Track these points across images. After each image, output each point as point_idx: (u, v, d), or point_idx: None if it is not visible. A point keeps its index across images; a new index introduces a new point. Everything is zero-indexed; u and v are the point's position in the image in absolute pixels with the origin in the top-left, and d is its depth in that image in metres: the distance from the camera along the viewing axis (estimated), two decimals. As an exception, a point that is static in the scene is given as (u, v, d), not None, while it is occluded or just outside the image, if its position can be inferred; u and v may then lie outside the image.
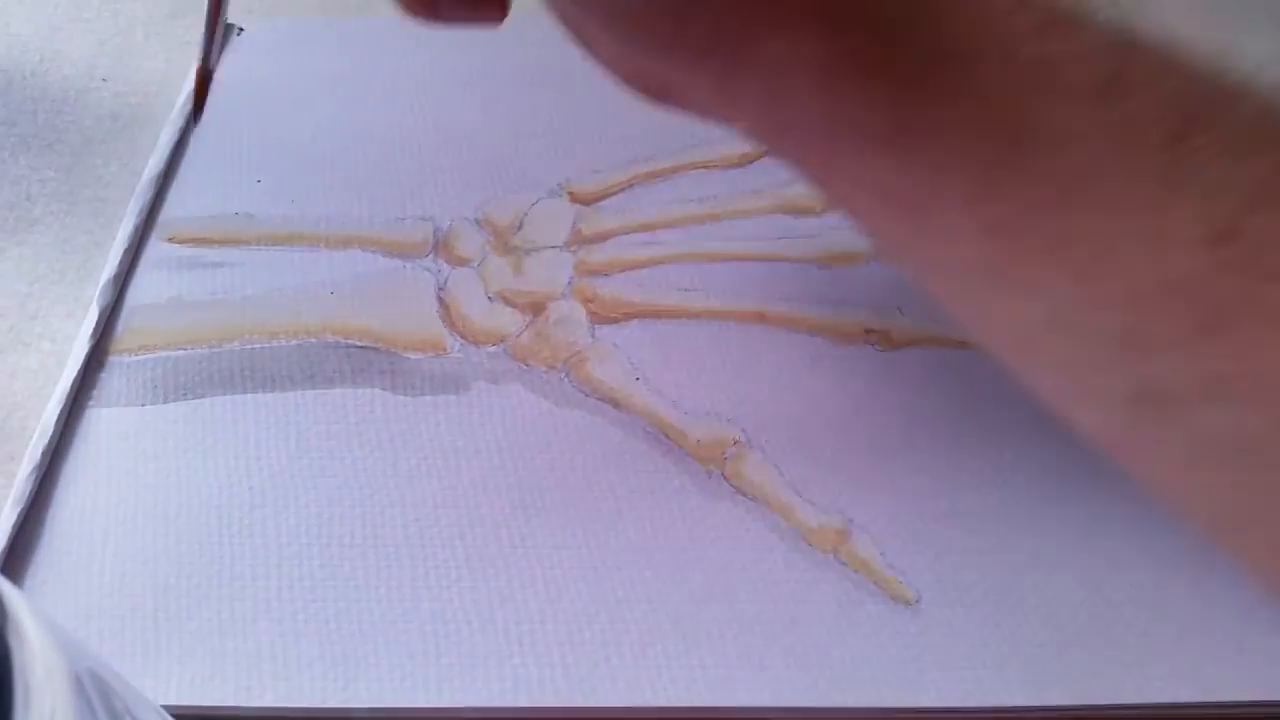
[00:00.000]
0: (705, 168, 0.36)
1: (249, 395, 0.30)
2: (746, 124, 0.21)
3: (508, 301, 0.32)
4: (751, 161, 0.37)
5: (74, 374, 0.29)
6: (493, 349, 0.31)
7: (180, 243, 0.34)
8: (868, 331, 0.32)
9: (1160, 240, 0.17)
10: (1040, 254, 0.19)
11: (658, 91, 0.24)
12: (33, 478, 0.27)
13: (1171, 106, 0.17)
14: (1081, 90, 0.18)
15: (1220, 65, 0.17)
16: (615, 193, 0.36)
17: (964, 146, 0.18)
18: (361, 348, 0.31)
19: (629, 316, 0.32)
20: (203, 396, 0.29)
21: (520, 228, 0.34)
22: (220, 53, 0.31)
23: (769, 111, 0.20)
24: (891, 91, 0.19)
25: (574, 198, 0.36)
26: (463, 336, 0.31)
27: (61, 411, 0.29)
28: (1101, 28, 0.18)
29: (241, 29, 0.41)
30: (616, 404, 0.30)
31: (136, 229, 0.34)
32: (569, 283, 0.33)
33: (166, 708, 0.22)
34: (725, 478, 0.28)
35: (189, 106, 0.38)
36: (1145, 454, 0.19)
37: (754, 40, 0.19)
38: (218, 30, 0.29)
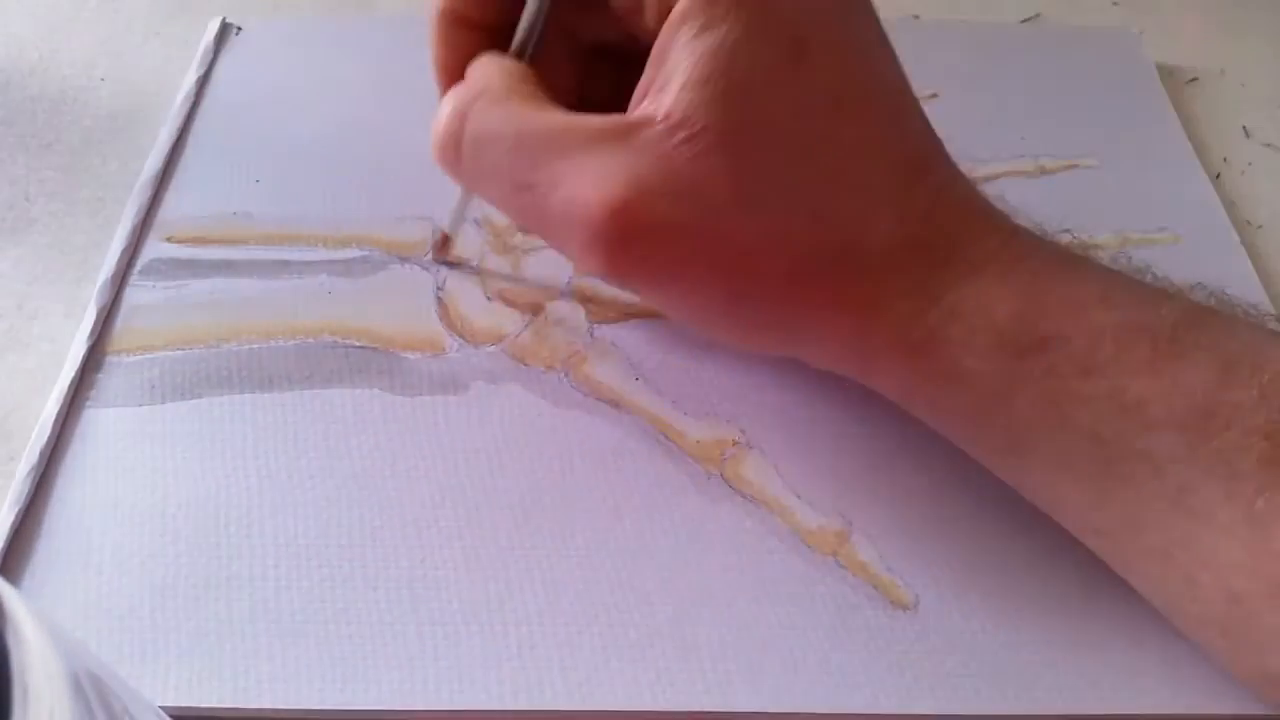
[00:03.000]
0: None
1: (247, 395, 0.29)
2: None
3: (506, 301, 0.32)
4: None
5: (72, 374, 0.29)
6: (491, 349, 0.31)
7: (179, 242, 0.34)
8: (867, 332, 0.32)
9: (1263, 550, 0.20)
10: (1144, 557, 0.23)
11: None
12: (31, 478, 0.27)
13: (1263, 435, 0.20)
14: (1181, 422, 0.21)
15: None
16: (615, 193, 0.36)
17: (1074, 464, 0.22)
18: (360, 348, 0.31)
19: (628, 316, 0.32)
20: (201, 396, 0.29)
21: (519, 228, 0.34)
22: (460, 222, 0.32)
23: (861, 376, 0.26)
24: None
25: (573, 198, 0.35)
26: (461, 336, 0.31)
27: (60, 411, 0.29)
28: (1200, 358, 0.21)
29: (240, 29, 0.41)
30: (615, 404, 0.30)
31: (135, 229, 0.34)
32: (568, 283, 0.33)
33: (165, 708, 0.22)
34: (724, 478, 0.28)
35: (188, 106, 0.38)
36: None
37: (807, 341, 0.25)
38: (467, 203, 0.31)
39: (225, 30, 0.41)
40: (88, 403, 0.29)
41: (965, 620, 0.25)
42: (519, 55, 0.26)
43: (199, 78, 0.39)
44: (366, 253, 0.33)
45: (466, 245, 0.34)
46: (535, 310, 0.32)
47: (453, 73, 0.27)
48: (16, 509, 0.26)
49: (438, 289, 0.32)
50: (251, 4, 0.43)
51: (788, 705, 0.24)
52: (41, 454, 0.28)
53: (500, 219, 0.35)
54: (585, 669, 0.24)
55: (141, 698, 0.17)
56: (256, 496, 0.27)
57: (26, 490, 0.27)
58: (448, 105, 0.25)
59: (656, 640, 0.25)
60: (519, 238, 0.34)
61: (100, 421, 0.29)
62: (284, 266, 0.33)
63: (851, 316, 0.23)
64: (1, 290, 0.33)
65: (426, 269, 0.33)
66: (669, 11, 0.23)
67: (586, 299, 0.32)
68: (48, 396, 0.29)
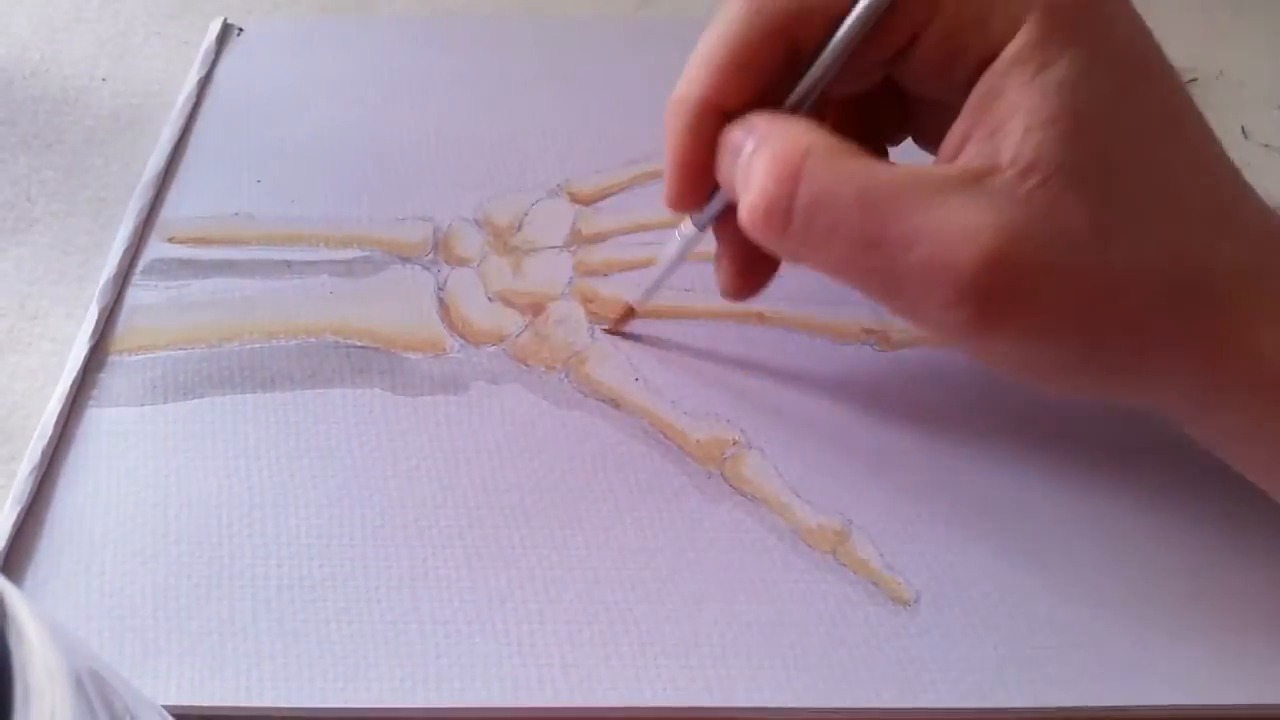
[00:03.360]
0: (705, 168, 0.36)
1: (249, 395, 0.30)
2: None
3: (507, 302, 0.32)
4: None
5: (74, 374, 0.29)
6: (492, 349, 0.31)
7: (180, 243, 0.34)
8: (867, 331, 0.32)
9: None
10: None
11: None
12: (33, 477, 0.27)
13: None
14: None
15: None
16: (615, 193, 0.36)
17: None
18: (361, 348, 0.31)
19: (628, 317, 0.32)
20: (202, 396, 0.29)
21: (520, 228, 0.34)
22: (654, 293, 0.31)
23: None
24: None
25: (574, 198, 0.36)
26: (462, 337, 0.31)
27: (61, 411, 0.29)
28: None
29: (241, 29, 0.41)
30: (616, 404, 0.30)
31: (136, 229, 0.34)
32: (568, 283, 0.33)
33: (166, 708, 0.22)
34: (724, 478, 0.28)
35: (190, 107, 0.38)
36: None
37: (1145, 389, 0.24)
38: (673, 268, 0.30)
39: (226, 31, 0.41)
40: (90, 402, 0.29)
41: (966, 616, 0.25)
42: (793, 111, 0.25)
43: (200, 78, 0.39)
44: (368, 253, 0.34)
45: (467, 245, 0.34)
46: (536, 311, 0.32)
47: (697, 159, 0.25)
48: (18, 508, 0.27)
49: (439, 289, 0.33)
50: (252, 5, 0.44)
51: (788, 702, 0.24)
52: (43, 453, 0.28)
53: (501, 218, 0.35)
54: (586, 667, 0.24)
55: (143, 696, 0.17)
56: (258, 496, 0.27)
57: (28, 489, 0.27)
58: (770, 169, 0.23)
59: (657, 638, 0.25)
60: (519, 238, 0.34)
61: (102, 421, 0.29)
62: (285, 267, 0.33)
63: (1206, 348, 0.22)
64: (3, 290, 0.33)
65: (427, 269, 0.33)
66: (986, 61, 0.22)
67: (588, 299, 0.32)
68: (50, 396, 0.29)
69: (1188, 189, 0.22)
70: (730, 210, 0.26)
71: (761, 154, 0.23)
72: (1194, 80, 0.40)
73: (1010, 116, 0.22)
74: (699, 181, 0.26)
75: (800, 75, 0.24)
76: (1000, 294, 0.21)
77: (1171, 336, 0.22)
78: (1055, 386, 0.24)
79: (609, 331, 0.32)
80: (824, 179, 0.22)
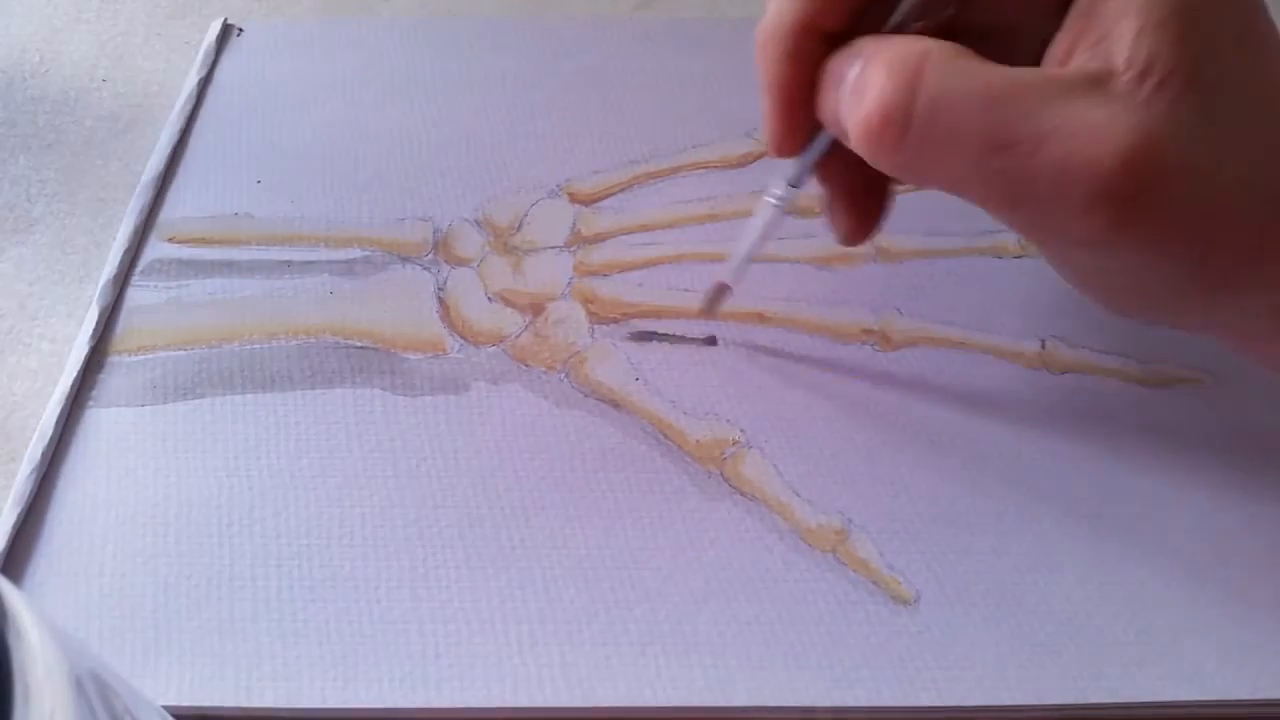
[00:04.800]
0: (705, 168, 0.36)
1: (249, 395, 0.30)
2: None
3: (507, 302, 0.32)
4: (751, 161, 0.37)
5: (74, 374, 0.30)
6: (492, 349, 0.31)
7: (180, 243, 0.34)
8: (866, 332, 0.32)
9: None
10: None
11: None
12: (33, 478, 0.27)
13: None
14: None
15: None
16: (615, 193, 0.36)
17: None
18: (361, 348, 0.31)
19: (629, 316, 0.32)
20: (202, 396, 0.29)
21: (520, 228, 0.34)
22: (746, 268, 0.29)
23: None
24: None
25: (574, 198, 0.36)
26: (462, 337, 0.31)
27: (61, 412, 0.29)
28: None
29: (241, 29, 0.41)
30: (616, 404, 0.30)
31: (136, 229, 0.34)
32: (569, 283, 0.33)
33: (166, 708, 0.22)
34: (724, 478, 0.28)
35: (190, 107, 0.38)
36: None
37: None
38: (762, 242, 0.28)
39: (226, 31, 0.41)
40: (90, 403, 0.29)
41: (966, 614, 0.25)
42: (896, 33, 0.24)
43: (200, 79, 0.39)
44: (368, 253, 0.34)
45: (467, 245, 0.34)
46: (536, 311, 0.32)
47: (798, 91, 0.24)
48: (19, 509, 0.27)
49: (439, 289, 0.33)
50: (252, 5, 0.44)
51: (789, 701, 0.24)
52: (44, 454, 0.28)
53: (501, 218, 0.35)
54: (586, 666, 0.24)
55: (143, 697, 0.17)
56: (258, 496, 0.27)
57: (28, 490, 0.27)
58: (888, 74, 0.22)
59: (657, 638, 0.25)
60: (519, 238, 0.34)
61: (102, 421, 0.29)
62: (285, 267, 0.33)
63: None
64: (3, 290, 0.33)
65: (427, 269, 0.33)
66: None
67: (588, 299, 0.32)
68: (49, 396, 0.29)
69: None
70: (833, 151, 0.25)
71: (875, 64, 0.22)
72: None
73: (1119, 20, 0.21)
74: (803, 116, 0.25)
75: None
76: (1136, 196, 0.20)
77: (1275, 245, 0.21)
78: (1167, 306, 0.24)
79: (701, 315, 0.31)
80: (946, 80, 0.21)
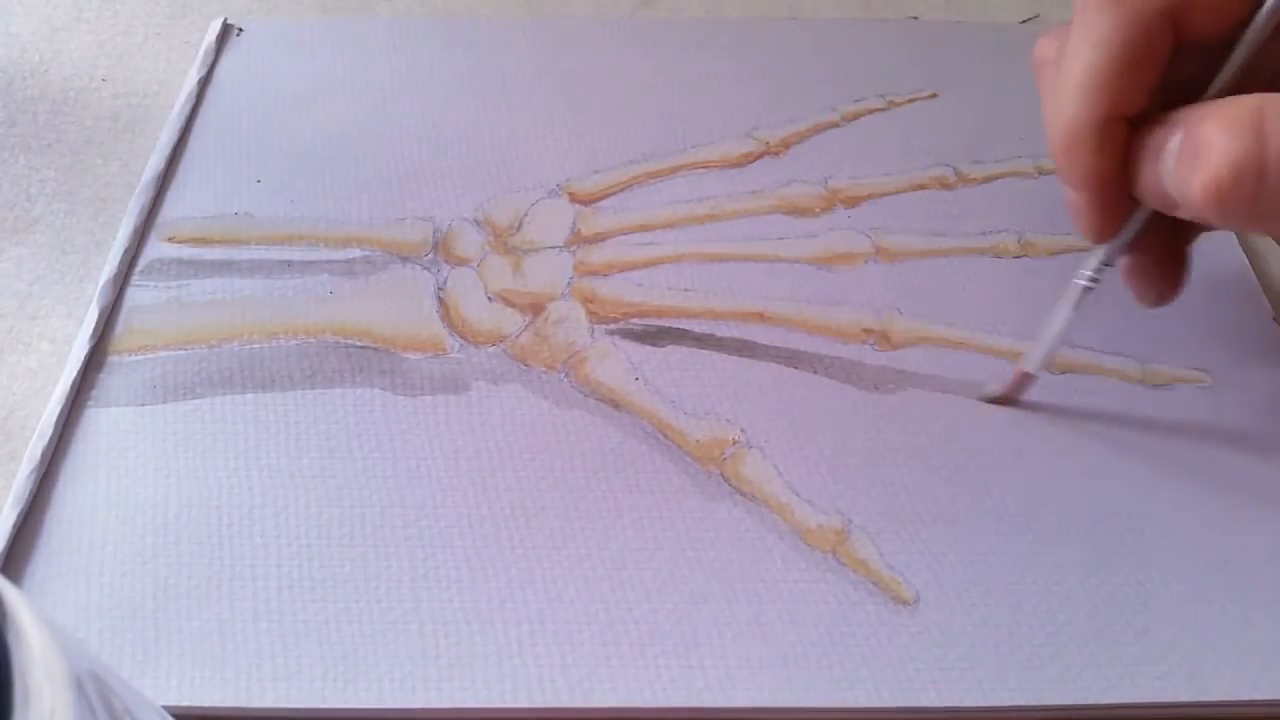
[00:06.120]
0: (705, 168, 0.36)
1: (249, 395, 0.30)
2: None
3: (507, 302, 0.32)
4: (751, 161, 0.37)
5: (74, 374, 0.30)
6: (492, 349, 0.31)
7: (180, 243, 0.34)
8: (867, 331, 0.32)
9: None
10: None
11: None
12: (32, 478, 0.27)
13: None
14: None
15: None
16: (615, 193, 0.36)
17: None
18: (361, 348, 0.31)
19: (629, 316, 0.32)
20: (202, 396, 0.29)
21: (520, 228, 0.34)
22: (1053, 357, 0.29)
23: None
24: None
25: (574, 198, 0.36)
26: (462, 337, 0.31)
27: (61, 411, 0.29)
28: None
29: (241, 29, 0.41)
30: (616, 404, 0.30)
31: (136, 229, 0.34)
32: (568, 283, 0.33)
33: (166, 708, 0.22)
34: (724, 478, 0.28)
35: (190, 107, 0.38)
36: None
37: None
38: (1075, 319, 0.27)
39: (226, 31, 0.41)
40: (89, 402, 0.29)
41: (966, 614, 0.25)
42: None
43: (200, 79, 0.39)
44: (367, 253, 0.34)
45: (467, 245, 0.34)
46: (536, 310, 0.32)
47: (1112, 179, 0.24)
48: (18, 509, 0.27)
49: (439, 289, 0.33)
50: (252, 5, 0.44)
51: (789, 701, 0.24)
52: (43, 454, 0.28)
53: (501, 218, 0.35)
54: (586, 667, 0.24)
55: (143, 697, 0.17)
56: (258, 496, 0.27)
57: (28, 490, 0.27)
58: (1228, 132, 0.21)
59: (657, 639, 0.25)
60: (519, 238, 0.34)
61: (102, 421, 0.29)
62: (285, 267, 0.33)
63: None
64: (3, 290, 0.33)
65: (427, 269, 0.33)
66: None
67: (588, 299, 0.32)
68: (49, 396, 0.29)
69: None
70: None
71: (1210, 124, 0.22)
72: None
73: None
74: (1119, 203, 0.25)
75: (1199, 68, 0.23)
76: None
77: None
78: None
79: (1000, 402, 0.30)
80: None
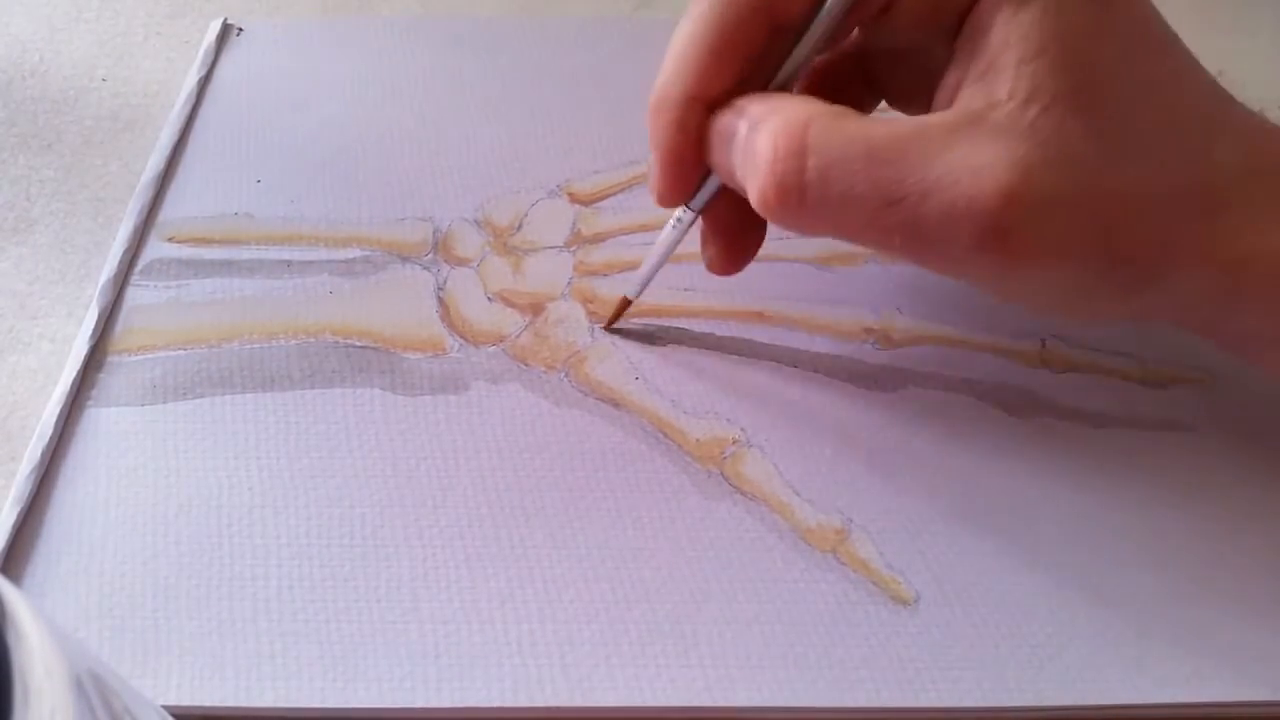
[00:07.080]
0: (705, 168, 0.36)
1: (248, 395, 0.30)
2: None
3: (507, 302, 0.32)
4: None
5: (74, 374, 0.29)
6: (492, 349, 0.31)
7: (180, 243, 0.34)
8: (867, 331, 0.32)
9: None
10: None
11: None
12: (32, 477, 0.27)
13: None
14: None
15: None
16: (615, 193, 0.36)
17: None
18: (361, 348, 0.31)
19: (629, 316, 0.32)
20: (203, 396, 0.29)
21: (520, 228, 0.34)
22: (647, 284, 0.31)
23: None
24: None
25: (574, 198, 0.36)
26: (462, 336, 0.31)
27: (61, 411, 0.29)
28: None
29: (241, 29, 0.41)
30: (616, 404, 0.30)
31: (136, 229, 0.34)
32: (568, 283, 0.33)
33: (166, 708, 0.22)
34: (724, 477, 0.28)
35: (190, 107, 0.38)
36: None
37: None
38: (667, 255, 0.30)
39: (226, 31, 0.41)
40: (89, 402, 0.29)
41: (966, 616, 0.25)
42: (782, 90, 0.25)
43: (200, 78, 0.39)
44: (367, 253, 0.34)
45: (466, 245, 0.34)
46: (536, 310, 0.32)
47: (688, 161, 0.26)
48: (18, 508, 0.27)
49: (438, 289, 0.33)
50: (252, 5, 0.44)
51: (789, 701, 0.24)
52: (43, 454, 0.28)
53: (501, 219, 0.35)
54: (586, 667, 0.24)
55: (143, 697, 0.17)
56: (258, 496, 0.27)
57: (28, 490, 0.27)
58: (775, 146, 0.23)
59: (656, 638, 0.25)
60: (519, 238, 0.34)
61: (102, 421, 0.29)
62: (285, 266, 0.33)
63: (1214, 250, 0.22)
64: (3, 290, 0.33)
65: (427, 269, 0.33)
66: (969, 6, 0.23)
67: (587, 299, 0.32)
68: (49, 396, 0.29)
69: (1176, 101, 0.23)
70: (718, 193, 0.26)
71: (762, 132, 0.23)
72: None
73: (1002, 51, 0.22)
74: (689, 176, 0.26)
75: (785, 51, 0.24)
76: (1022, 226, 0.21)
77: (1181, 244, 0.22)
78: (1079, 311, 0.25)
79: (607, 328, 0.32)
80: (831, 146, 0.22)
